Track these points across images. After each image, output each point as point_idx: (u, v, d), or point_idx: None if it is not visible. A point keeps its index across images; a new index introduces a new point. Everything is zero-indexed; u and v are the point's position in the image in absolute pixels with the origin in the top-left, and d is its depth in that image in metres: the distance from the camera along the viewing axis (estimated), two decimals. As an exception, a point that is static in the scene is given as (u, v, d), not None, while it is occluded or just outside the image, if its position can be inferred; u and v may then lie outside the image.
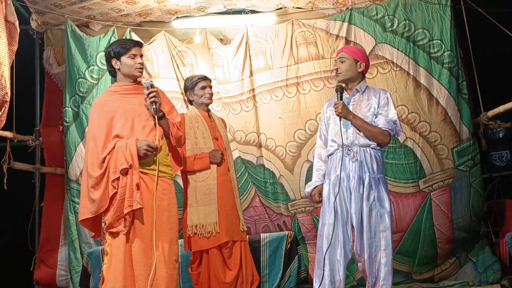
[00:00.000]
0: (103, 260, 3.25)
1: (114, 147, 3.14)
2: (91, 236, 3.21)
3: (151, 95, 3.21)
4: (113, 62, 3.30)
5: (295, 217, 4.86)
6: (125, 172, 3.10)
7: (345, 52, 3.47)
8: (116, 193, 3.09)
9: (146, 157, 3.17)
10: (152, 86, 3.25)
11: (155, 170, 3.21)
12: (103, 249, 3.21)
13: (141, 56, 3.35)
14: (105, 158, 3.13)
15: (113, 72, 3.37)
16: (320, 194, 3.50)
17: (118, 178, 3.10)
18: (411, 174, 4.72)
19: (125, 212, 3.08)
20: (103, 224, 3.21)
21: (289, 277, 4.37)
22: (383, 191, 3.32)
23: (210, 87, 4.03)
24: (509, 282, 4.35)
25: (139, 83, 3.39)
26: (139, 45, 3.38)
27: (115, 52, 3.29)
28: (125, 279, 3.06)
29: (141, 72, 3.36)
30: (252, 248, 4.13)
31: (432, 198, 4.69)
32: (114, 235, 3.12)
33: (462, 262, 4.67)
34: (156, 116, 3.22)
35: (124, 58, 3.28)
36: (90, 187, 3.11)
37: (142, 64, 3.33)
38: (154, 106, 3.20)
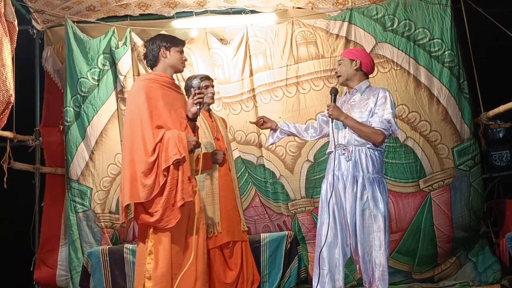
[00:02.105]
0: (150, 257, 3.19)
1: (162, 137, 3.13)
2: (122, 222, 3.20)
3: (201, 95, 3.32)
4: (162, 50, 3.33)
5: (295, 217, 4.86)
6: (176, 163, 3.12)
7: (342, 56, 3.60)
8: (166, 182, 3.10)
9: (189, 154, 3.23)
10: (200, 88, 3.38)
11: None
12: (147, 248, 3.19)
13: None
14: (156, 145, 3.12)
15: (153, 61, 3.38)
16: (265, 122, 3.81)
17: (168, 168, 3.11)
18: (411, 173, 4.72)
19: (178, 204, 3.10)
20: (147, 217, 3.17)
21: (289, 277, 4.37)
22: (378, 192, 3.32)
23: (213, 86, 4.04)
24: (509, 282, 4.35)
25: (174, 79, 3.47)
26: (184, 45, 3.50)
27: (167, 41, 3.36)
28: (171, 279, 3.11)
29: (184, 67, 3.47)
30: (252, 248, 4.13)
31: (432, 198, 4.69)
32: (158, 231, 3.12)
33: (462, 262, 4.66)
34: (197, 116, 3.35)
35: (174, 50, 3.35)
36: (142, 173, 3.08)
37: (186, 61, 3.45)
38: (198, 107, 3.31)
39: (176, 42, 3.39)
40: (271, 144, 3.90)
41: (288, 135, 3.86)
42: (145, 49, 3.43)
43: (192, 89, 3.39)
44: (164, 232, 3.11)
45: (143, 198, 3.06)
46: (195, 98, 3.30)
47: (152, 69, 3.41)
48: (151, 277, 3.09)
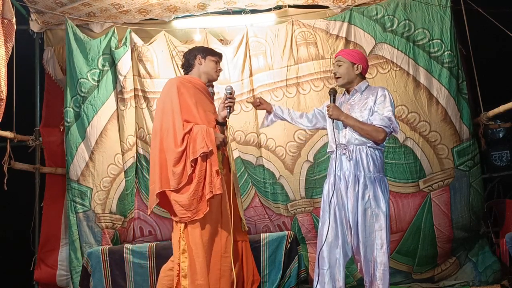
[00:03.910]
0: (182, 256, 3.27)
1: (191, 129, 3.26)
2: (149, 214, 3.35)
3: (232, 100, 3.50)
4: (198, 57, 3.53)
5: (295, 217, 4.86)
6: (204, 156, 3.22)
7: (341, 56, 3.52)
8: (193, 173, 3.19)
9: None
10: (231, 93, 3.56)
11: None
12: (180, 247, 3.26)
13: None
14: (185, 135, 3.24)
15: (188, 67, 3.56)
16: (261, 103, 3.74)
17: (196, 159, 3.21)
18: (411, 174, 4.72)
19: (207, 197, 3.20)
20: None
21: (289, 277, 4.37)
22: (379, 191, 3.32)
23: (212, 86, 4.04)
24: (509, 282, 4.35)
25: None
26: (222, 58, 3.67)
27: (204, 50, 3.58)
28: (207, 275, 3.21)
29: (218, 77, 3.65)
30: (252, 248, 4.11)
31: (432, 198, 4.69)
32: (188, 229, 3.20)
33: (462, 262, 4.66)
34: (227, 119, 3.51)
35: (209, 59, 3.54)
36: (171, 162, 3.21)
37: (220, 71, 3.63)
38: (228, 110, 3.48)
39: (212, 52, 3.58)
40: (265, 126, 3.89)
41: (281, 120, 3.83)
42: (183, 59, 3.62)
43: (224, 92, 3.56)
44: (194, 230, 3.20)
45: (173, 186, 3.19)
46: (226, 101, 3.46)
47: (187, 74, 3.57)
48: (187, 275, 3.16)
